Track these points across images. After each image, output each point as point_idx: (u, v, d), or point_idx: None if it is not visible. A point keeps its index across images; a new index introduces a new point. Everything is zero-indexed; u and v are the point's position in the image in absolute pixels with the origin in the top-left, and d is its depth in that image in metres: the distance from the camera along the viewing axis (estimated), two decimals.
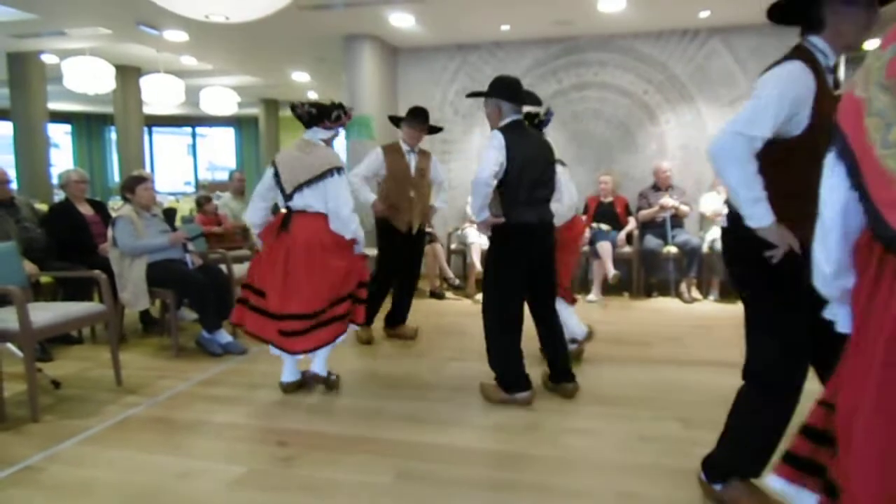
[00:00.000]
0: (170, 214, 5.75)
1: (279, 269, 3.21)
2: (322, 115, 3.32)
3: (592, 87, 6.68)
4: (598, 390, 3.42)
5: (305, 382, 3.48)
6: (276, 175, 3.30)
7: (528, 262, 3.20)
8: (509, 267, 3.20)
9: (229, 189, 6.69)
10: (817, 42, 1.97)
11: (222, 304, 4.27)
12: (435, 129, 4.65)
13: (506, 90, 3.19)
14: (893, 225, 1.15)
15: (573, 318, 3.91)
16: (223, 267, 4.57)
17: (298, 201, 3.25)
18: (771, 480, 1.64)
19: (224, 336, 4.25)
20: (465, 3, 5.48)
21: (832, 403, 1.44)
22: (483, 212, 3.11)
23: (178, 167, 16.92)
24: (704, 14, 5.84)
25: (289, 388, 3.43)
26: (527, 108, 3.33)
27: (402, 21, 6.08)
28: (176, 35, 6.69)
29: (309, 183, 3.21)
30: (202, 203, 5.97)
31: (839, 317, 1.44)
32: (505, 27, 6.27)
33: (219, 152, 17.21)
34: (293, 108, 3.36)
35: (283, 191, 3.28)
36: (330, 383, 3.44)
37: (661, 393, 3.37)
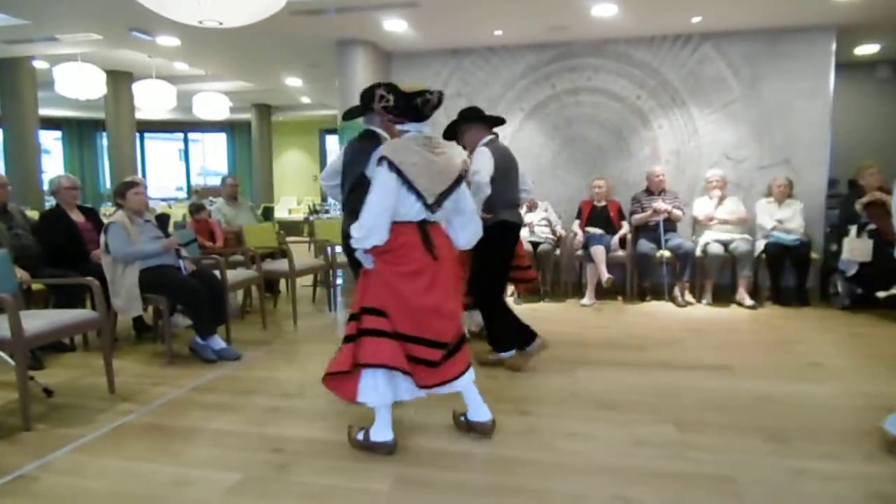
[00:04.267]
0: (163, 220, 5.73)
1: (426, 286, 2.63)
2: (438, 103, 2.74)
3: (586, 92, 6.70)
4: (593, 394, 3.43)
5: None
6: (406, 181, 2.57)
7: (508, 255, 3.93)
8: (501, 260, 3.88)
9: (222, 194, 6.67)
10: None
11: (217, 310, 4.26)
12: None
13: (479, 117, 3.91)
14: None
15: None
16: (217, 273, 4.55)
17: (441, 213, 2.70)
18: None
19: (218, 342, 4.23)
20: (457, 8, 5.49)
21: None
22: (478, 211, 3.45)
23: (170, 173, 16.86)
24: (696, 20, 5.87)
25: (384, 450, 2.73)
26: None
27: (395, 26, 6.09)
28: (168, 40, 6.68)
29: (451, 190, 2.68)
30: (194, 211, 5.95)
31: None
32: (498, 32, 6.29)
33: (211, 157, 17.16)
34: (424, 95, 2.67)
35: (423, 200, 2.60)
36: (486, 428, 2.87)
37: (656, 397, 3.38)
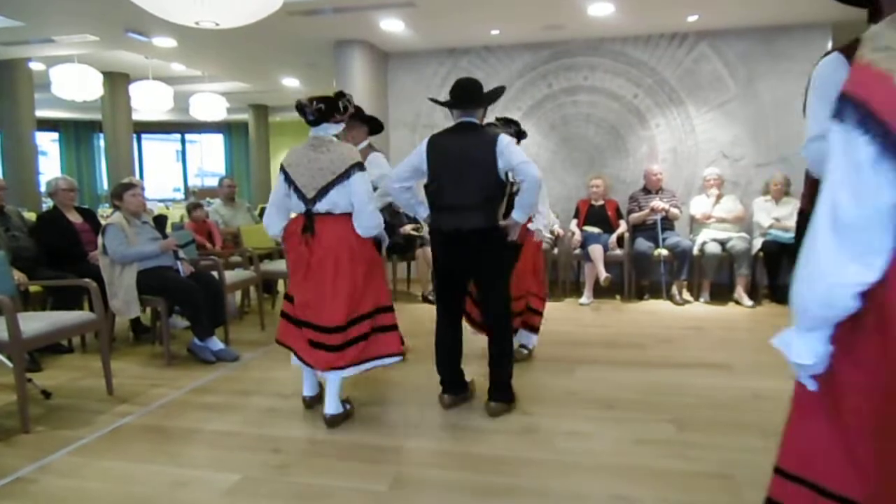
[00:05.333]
0: (160, 221, 5.72)
1: (303, 275, 3.02)
2: (331, 110, 3.06)
3: (583, 91, 6.71)
4: (592, 393, 3.43)
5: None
6: (289, 180, 3.03)
7: (448, 267, 3.22)
8: (435, 271, 3.32)
9: (219, 195, 6.67)
10: None
11: (215, 311, 4.25)
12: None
13: (452, 95, 3.15)
14: None
15: None
16: (215, 274, 4.55)
17: (324, 204, 2.99)
18: None
19: (216, 343, 4.22)
20: (454, 7, 5.50)
21: (800, 476, 1.26)
22: (420, 209, 3.28)
23: (167, 174, 16.84)
24: (692, 18, 5.88)
25: (312, 403, 3.28)
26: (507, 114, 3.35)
27: (391, 26, 6.09)
28: (165, 41, 6.67)
29: (334, 184, 2.96)
30: (192, 209, 5.94)
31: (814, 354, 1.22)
32: (495, 32, 6.29)
33: (208, 158, 17.15)
34: (300, 107, 3.08)
35: (302, 196, 3.00)
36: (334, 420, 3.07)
37: (655, 395, 3.38)
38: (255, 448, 2.81)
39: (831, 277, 1.11)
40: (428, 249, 6.29)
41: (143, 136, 15.90)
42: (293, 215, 3.14)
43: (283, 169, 3.08)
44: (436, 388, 3.32)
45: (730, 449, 2.69)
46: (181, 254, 4.44)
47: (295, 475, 2.53)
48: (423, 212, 3.28)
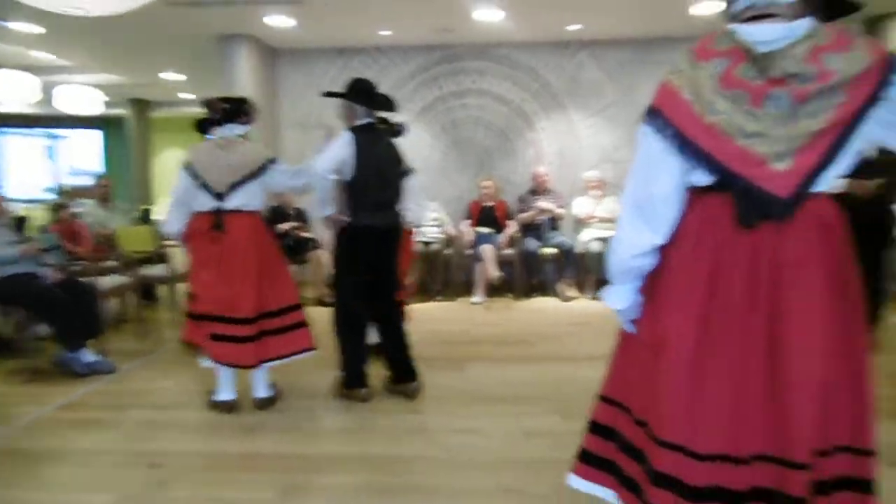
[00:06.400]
0: (20, 223, 5.25)
1: (215, 271, 3.07)
2: (238, 110, 3.21)
3: (472, 94, 6.85)
4: (483, 390, 3.51)
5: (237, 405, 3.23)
6: (196, 177, 3.08)
7: (369, 264, 3.29)
8: (353, 268, 3.29)
9: (94, 196, 6.21)
10: None
11: (86, 320, 3.96)
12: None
13: (362, 94, 3.30)
14: (742, 173, 1.35)
15: None
16: (89, 280, 4.23)
17: (233, 201, 3.08)
18: (570, 480, 1.75)
19: (88, 355, 3.93)
20: (342, 6, 5.43)
21: (618, 401, 1.62)
22: (325, 207, 3.28)
23: (35, 172, 15.46)
24: (575, 28, 6.17)
25: (224, 408, 3.19)
26: (383, 114, 3.41)
27: (279, 22, 5.93)
28: (29, 27, 6.12)
29: (245, 180, 3.09)
30: (57, 210, 5.50)
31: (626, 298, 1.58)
32: (386, 32, 6.29)
33: (83, 156, 15.92)
34: (208, 104, 3.20)
35: (210, 192, 3.07)
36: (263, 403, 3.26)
37: (543, 389, 3.52)
38: (131, 464, 2.65)
39: (628, 241, 1.49)
40: (322, 252, 6.18)
41: (6, 129, 14.52)
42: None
43: (188, 167, 3.12)
44: (325, 391, 3.28)
45: None
46: (47, 259, 4.09)
47: (175, 490, 2.41)
48: (328, 210, 3.28)
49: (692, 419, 1.39)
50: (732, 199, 1.37)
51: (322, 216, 3.34)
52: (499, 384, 3.61)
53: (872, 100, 1.30)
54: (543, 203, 6.29)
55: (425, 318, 5.45)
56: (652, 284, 1.52)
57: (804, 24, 1.36)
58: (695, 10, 5.47)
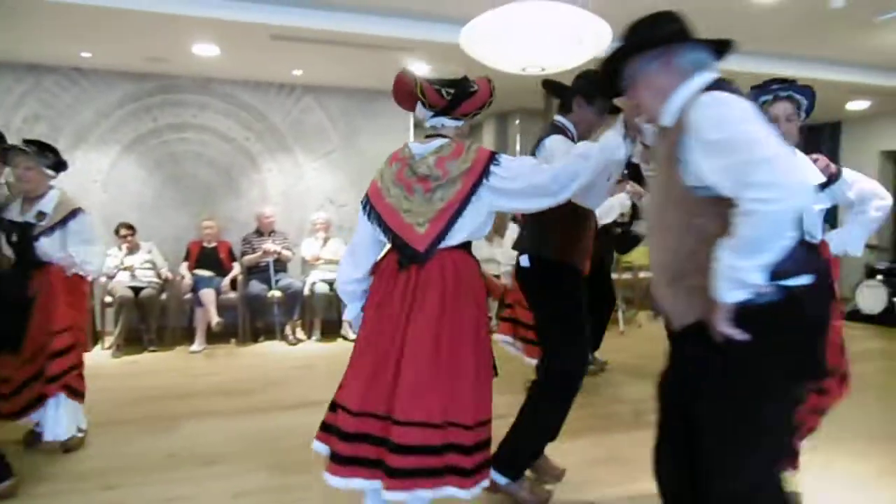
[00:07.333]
0: None
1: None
2: None
3: (192, 128, 6.48)
4: (193, 451, 3.27)
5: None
6: None
7: None
8: None
9: None
10: (564, 121, 2.67)
11: None
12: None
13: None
14: (401, 235, 2.11)
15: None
16: None
17: None
18: (329, 480, 2.00)
19: None
20: (34, 19, 4.73)
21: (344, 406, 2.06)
22: None
23: None
24: (297, 72, 6.24)
25: None
26: None
27: None
28: None
29: None
30: None
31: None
32: (86, 54, 5.65)
33: None
34: None
35: None
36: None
37: (256, 443, 3.39)
38: None
39: (342, 276, 2.30)
40: None
41: None
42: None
43: None
44: None
45: (327, 487, 2.84)
46: None
47: None
48: None
49: (350, 388, 2.08)
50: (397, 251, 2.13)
51: None
52: (211, 443, 3.40)
53: (476, 186, 2.04)
54: (269, 245, 6.18)
55: (134, 372, 4.95)
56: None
57: (438, 143, 2.13)
58: (410, 69, 5.92)
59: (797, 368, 1.61)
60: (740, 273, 1.46)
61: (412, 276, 2.05)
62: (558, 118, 2.71)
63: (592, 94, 2.58)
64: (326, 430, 2.12)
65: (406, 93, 2.15)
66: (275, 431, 3.58)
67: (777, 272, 1.51)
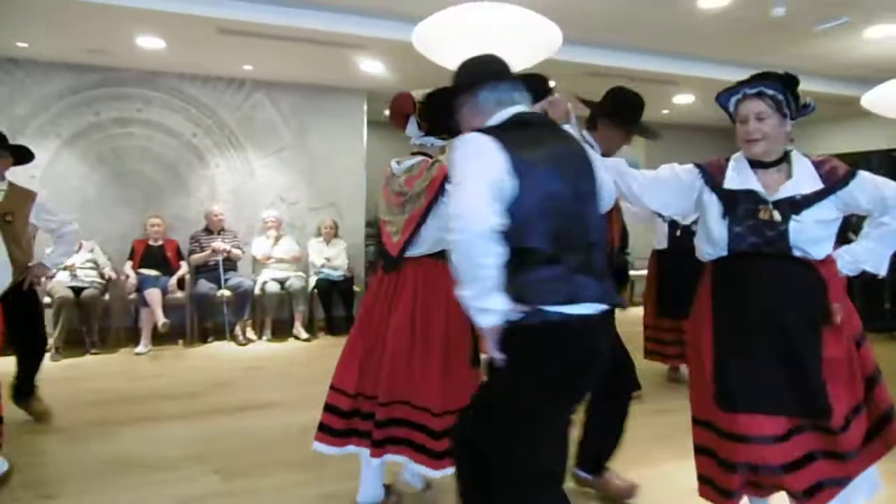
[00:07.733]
0: None
1: None
2: None
3: (137, 123, 6.27)
4: (139, 457, 3.17)
5: None
6: None
7: None
8: None
9: None
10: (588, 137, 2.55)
11: None
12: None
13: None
14: (385, 242, 2.47)
15: None
16: None
17: None
18: (318, 447, 2.38)
19: None
20: None
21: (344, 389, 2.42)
22: None
23: None
24: (247, 67, 6.11)
25: None
26: None
27: None
28: None
29: None
30: None
31: None
32: (22, 44, 5.40)
33: None
34: None
35: None
36: None
37: (202, 447, 3.31)
38: None
39: None
40: None
41: None
42: None
43: None
44: None
45: (275, 488, 2.81)
46: None
47: None
48: None
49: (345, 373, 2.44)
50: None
51: None
52: (155, 448, 3.30)
53: (433, 202, 2.30)
54: (218, 243, 6.04)
55: (75, 376, 4.77)
56: None
57: (410, 162, 2.43)
58: (363, 66, 5.86)
59: (551, 391, 1.63)
60: (466, 301, 1.54)
61: (393, 279, 2.41)
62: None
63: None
64: (328, 410, 2.43)
65: (405, 114, 2.41)
66: (221, 435, 3.49)
67: (526, 297, 1.54)
